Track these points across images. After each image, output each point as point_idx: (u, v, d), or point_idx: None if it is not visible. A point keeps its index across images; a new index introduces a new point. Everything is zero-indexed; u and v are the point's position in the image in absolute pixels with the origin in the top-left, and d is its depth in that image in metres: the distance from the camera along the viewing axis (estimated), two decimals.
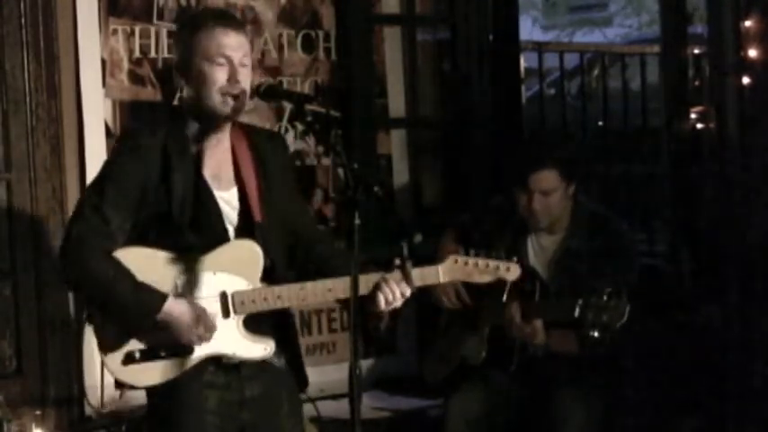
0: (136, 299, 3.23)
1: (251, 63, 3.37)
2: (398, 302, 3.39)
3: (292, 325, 3.55)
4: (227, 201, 3.39)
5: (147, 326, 3.25)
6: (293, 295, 3.36)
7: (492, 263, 3.54)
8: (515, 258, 3.61)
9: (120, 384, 3.36)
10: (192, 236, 3.32)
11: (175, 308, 3.25)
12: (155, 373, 3.31)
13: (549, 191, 4.22)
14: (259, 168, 3.43)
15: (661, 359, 5.19)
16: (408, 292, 3.39)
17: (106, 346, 3.31)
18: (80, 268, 3.25)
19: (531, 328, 4.12)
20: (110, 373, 3.35)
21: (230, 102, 3.29)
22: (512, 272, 3.58)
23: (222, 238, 3.36)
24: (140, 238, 3.31)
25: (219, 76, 3.28)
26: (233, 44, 3.30)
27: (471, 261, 3.52)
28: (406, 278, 3.37)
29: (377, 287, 3.35)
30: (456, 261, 3.52)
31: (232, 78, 3.28)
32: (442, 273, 3.50)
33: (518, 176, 4.25)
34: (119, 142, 3.51)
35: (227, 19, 3.38)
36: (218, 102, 3.29)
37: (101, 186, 3.32)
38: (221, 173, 3.39)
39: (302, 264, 3.51)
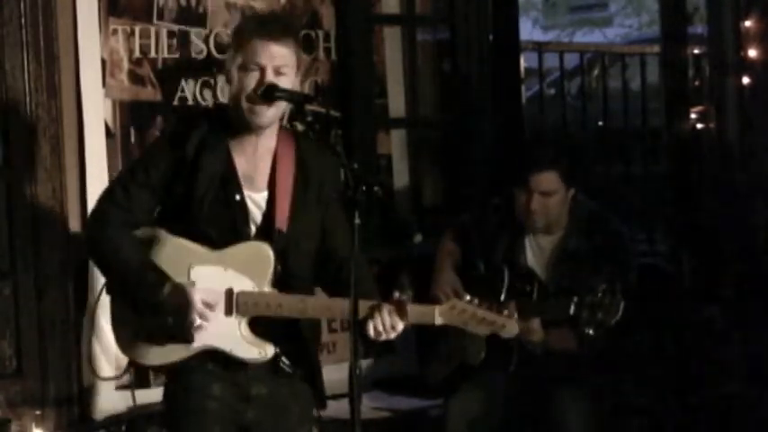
0: (141, 275, 3.31)
1: (293, 72, 3.37)
2: (391, 335, 3.35)
3: (307, 339, 3.53)
4: (256, 202, 3.41)
5: (148, 305, 3.32)
6: (293, 306, 3.37)
7: (490, 316, 3.45)
8: (516, 316, 3.56)
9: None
10: (214, 230, 3.36)
11: (176, 290, 3.30)
12: (158, 354, 3.38)
13: (550, 192, 4.22)
14: (299, 178, 3.44)
15: (661, 359, 5.19)
16: (401, 327, 3.35)
17: (117, 322, 3.43)
18: (97, 237, 3.38)
19: (528, 326, 4.12)
20: (118, 347, 3.46)
21: (255, 108, 3.32)
22: (508, 329, 3.49)
23: (243, 236, 3.39)
24: (167, 224, 3.39)
25: (249, 82, 3.32)
26: (268, 53, 3.32)
27: (470, 310, 3.44)
28: (401, 314, 3.33)
29: (369, 315, 3.31)
30: (454, 307, 3.44)
31: (259, 86, 3.31)
32: (438, 315, 3.43)
33: (519, 176, 4.26)
34: (163, 131, 3.65)
35: (269, 30, 3.37)
36: (245, 108, 3.33)
37: (133, 166, 3.49)
38: (256, 174, 3.41)
39: (329, 282, 3.49)
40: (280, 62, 3.33)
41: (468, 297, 3.47)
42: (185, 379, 3.40)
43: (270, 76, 3.31)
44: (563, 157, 4.29)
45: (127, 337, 3.41)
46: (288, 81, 3.35)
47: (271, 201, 3.41)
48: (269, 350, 3.40)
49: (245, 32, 3.38)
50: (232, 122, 3.40)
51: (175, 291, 3.30)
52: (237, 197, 3.38)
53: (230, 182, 3.38)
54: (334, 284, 3.44)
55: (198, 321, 3.30)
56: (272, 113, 3.35)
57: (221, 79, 4.73)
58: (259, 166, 3.42)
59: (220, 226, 3.37)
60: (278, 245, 3.38)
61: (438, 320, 3.44)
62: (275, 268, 3.37)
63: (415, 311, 3.39)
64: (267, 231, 3.40)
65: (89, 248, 3.48)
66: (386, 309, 3.32)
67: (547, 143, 4.42)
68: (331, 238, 3.50)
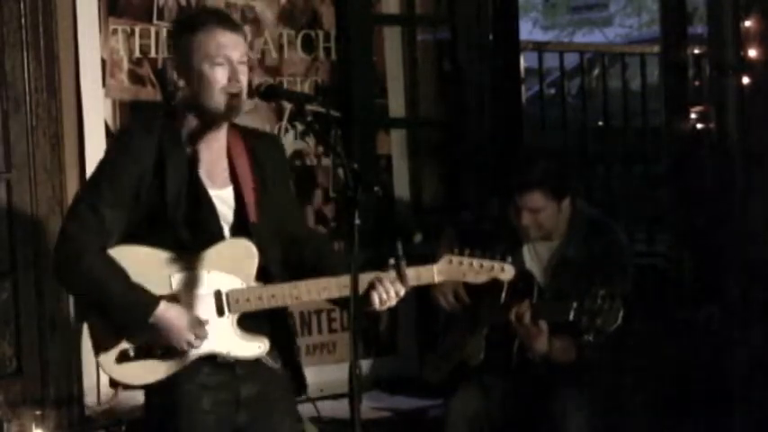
0: (128, 300, 3.25)
1: (248, 61, 3.39)
2: (393, 302, 3.38)
3: (289, 327, 3.54)
4: (223, 199, 3.39)
5: (138, 328, 3.27)
6: (287, 294, 3.36)
7: (486, 263, 3.52)
8: (510, 258, 3.58)
9: (114, 383, 3.37)
10: (187, 233, 3.33)
11: (167, 312, 3.27)
12: (149, 371, 3.33)
13: (538, 209, 4.22)
14: (255, 169, 3.43)
15: (661, 359, 5.18)
16: (403, 292, 3.38)
17: (100, 345, 3.33)
18: (74, 265, 3.26)
19: (538, 329, 4.11)
20: (104, 372, 3.37)
21: (231, 101, 3.31)
22: (506, 272, 3.57)
23: (217, 236, 3.37)
24: (135, 236, 3.32)
25: (220, 76, 3.30)
26: (231, 43, 3.31)
27: (466, 261, 3.50)
28: (401, 278, 3.36)
29: (371, 286, 3.35)
30: (450, 261, 3.50)
31: (233, 78, 3.30)
32: (436, 272, 3.48)
33: (508, 194, 4.28)
34: (114, 141, 3.55)
35: (225, 19, 3.39)
36: (220, 101, 3.31)
37: (96, 184, 3.35)
38: (216, 172, 3.39)
39: (296, 264, 3.49)
40: (241, 51, 3.34)
41: (456, 250, 3.49)
42: (174, 394, 3.34)
43: (237, 67, 3.30)
44: (549, 173, 4.27)
45: (113, 359, 3.31)
46: (246, 68, 3.35)
47: (238, 195, 3.39)
48: (266, 343, 3.39)
49: (201, 26, 3.32)
50: (188, 122, 3.36)
51: (167, 312, 3.26)
52: (205, 197, 3.36)
53: (195, 183, 3.35)
54: (299, 268, 3.44)
55: (192, 340, 3.28)
56: (246, 108, 3.36)
57: None
58: (217, 164, 3.40)
59: (192, 229, 3.33)
60: (256, 238, 3.37)
61: (437, 278, 3.48)
62: (260, 261, 3.36)
63: (414, 274, 3.42)
64: (242, 226, 3.38)
65: (65, 279, 3.36)
66: (386, 278, 3.35)
67: (532, 161, 4.40)
68: (289, 222, 3.51)
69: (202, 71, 3.30)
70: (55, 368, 4.66)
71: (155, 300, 3.26)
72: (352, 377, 3.03)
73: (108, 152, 3.46)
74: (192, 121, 3.37)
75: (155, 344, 3.30)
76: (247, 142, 3.46)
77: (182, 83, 3.36)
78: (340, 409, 3.49)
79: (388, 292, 3.35)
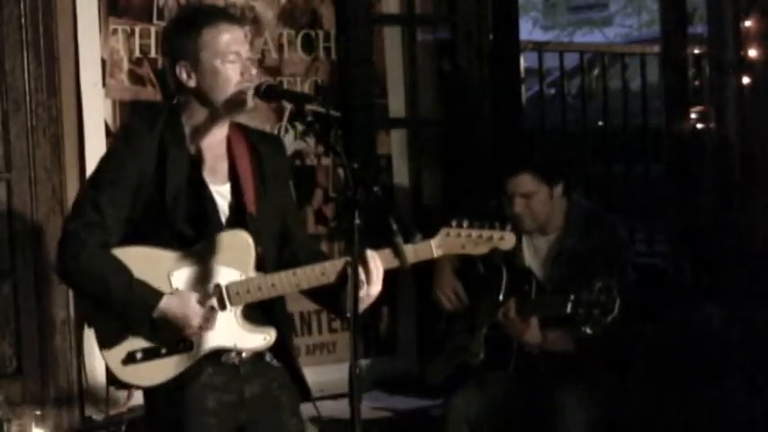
0: (131, 297, 3.24)
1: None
2: (373, 283, 3.24)
3: (286, 330, 3.51)
4: (224, 195, 3.39)
5: (142, 324, 3.26)
6: (286, 282, 3.32)
7: (486, 233, 3.40)
8: (509, 226, 3.47)
9: (123, 385, 3.37)
10: (187, 229, 3.32)
11: (171, 304, 3.25)
12: (157, 371, 3.31)
13: (529, 194, 4.23)
14: (256, 166, 3.42)
15: (661, 359, 5.19)
16: (373, 292, 3.25)
17: (106, 347, 3.32)
18: (75, 262, 3.24)
19: (526, 324, 4.13)
20: (113, 374, 3.35)
21: (240, 95, 3.31)
22: (506, 241, 3.43)
23: (215, 230, 3.35)
24: (135, 231, 3.31)
25: (233, 73, 3.30)
26: (239, 39, 3.33)
27: (464, 232, 3.38)
28: (399, 255, 3.29)
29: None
30: (448, 234, 3.38)
31: (245, 73, 3.31)
32: (435, 246, 3.37)
33: (498, 181, 4.28)
34: (116, 136, 3.50)
35: (227, 14, 3.41)
36: (235, 101, 3.31)
37: (98, 181, 3.34)
38: (217, 167, 3.39)
39: (290, 266, 3.43)
40: (248, 46, 3.35)
41: (455, 221, 3.39)
42: (177, 396, 3.32)
43: (247, 63, 3.31)
44: (537, 156, 4.30)
45: (120, 361, 3.30)
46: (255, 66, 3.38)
47: (236, 189, 3.38)
48: (272, 333, 3.36)
49: (207, 22, 3.31)
50: (194, 118, 3.36)
51: (170, 303, 3.25)
52: (206, 193, 3.35)
53: (197, 179, 3.35)
54: (292, 267, 3.39)
55: (202, 324, 3.27)
56: (252, 103, 3.35)
57: None
58: (218, 159, 3.40)
59: (194, 225, 3.32)
60: (252, 229, 3.35)
61: (437, 252, 3.37)
62: (257, 251, 3.35)
63: (412, 250, 3.35)
64: (238, 219, 3.37)
65: (68, 276, 3.33)
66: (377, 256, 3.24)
67: (520, 145, 4.42)
68: (287, 223, 3.49)
69: (215, 67, 3.30)
70: (55, 368, 4.66)
71: (157, 294, 3.25)
72: (352, 377, 3.03)
73: (110, 149, 3.47)
74: (197, 118, 3.37)
75: (163, 340, 3.28)
76: (250, 141, 3.46)
77: (192, 82, 3.34)
78: (340, 409, 3.49)
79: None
